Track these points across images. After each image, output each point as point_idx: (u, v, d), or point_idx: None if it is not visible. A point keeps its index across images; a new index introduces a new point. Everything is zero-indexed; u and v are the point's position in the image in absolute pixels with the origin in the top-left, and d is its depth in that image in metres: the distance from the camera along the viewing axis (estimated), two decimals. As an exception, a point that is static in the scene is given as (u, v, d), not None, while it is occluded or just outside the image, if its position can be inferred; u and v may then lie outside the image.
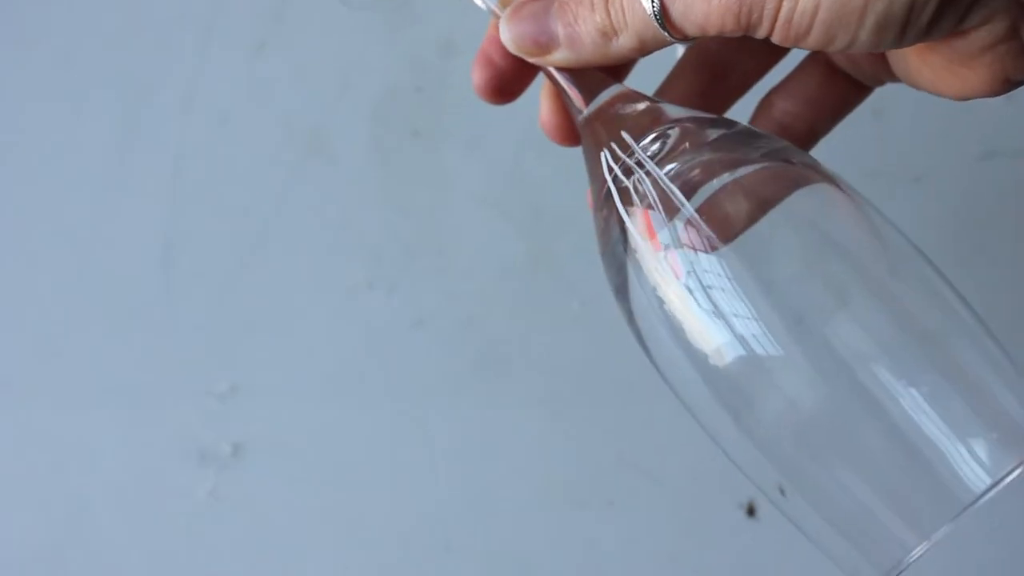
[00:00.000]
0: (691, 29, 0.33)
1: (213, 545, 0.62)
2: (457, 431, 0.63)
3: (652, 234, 0.33)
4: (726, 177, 0.33)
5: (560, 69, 0.37)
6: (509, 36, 0.36)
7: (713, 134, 0.34)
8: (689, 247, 0.32)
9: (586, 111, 0.36)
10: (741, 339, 0.31)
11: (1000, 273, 0.63)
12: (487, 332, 0.64)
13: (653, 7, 0.33)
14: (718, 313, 0.32)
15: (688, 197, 0.33)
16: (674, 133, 0.34)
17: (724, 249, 0.32)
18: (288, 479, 0.63)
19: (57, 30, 0.69)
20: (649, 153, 0.34)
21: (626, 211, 0.34)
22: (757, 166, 0.33)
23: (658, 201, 0.33)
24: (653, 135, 0.34)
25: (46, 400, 0.64)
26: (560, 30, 0.35)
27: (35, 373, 0.64)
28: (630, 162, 0.34)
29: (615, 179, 0.35)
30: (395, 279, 0.65)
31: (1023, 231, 0.63)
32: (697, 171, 0.33)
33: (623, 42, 0.34)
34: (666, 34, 0.33)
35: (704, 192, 0.33)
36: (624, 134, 0.35)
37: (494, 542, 0.62)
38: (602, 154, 0.35)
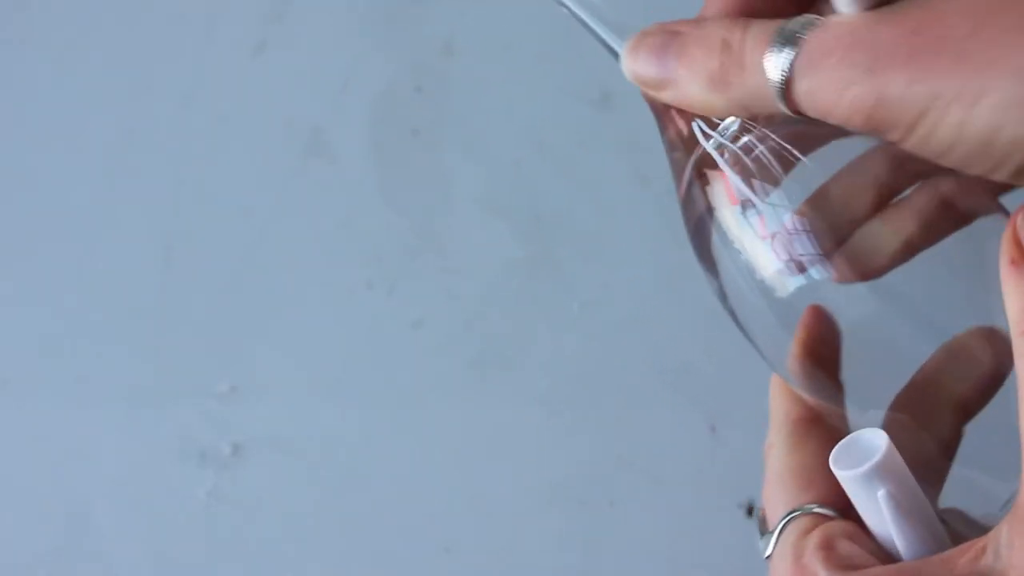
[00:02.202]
0: (810, 111, 0.30)
1: (213, 545, 0.62)
2: (457, 431, 0.63)
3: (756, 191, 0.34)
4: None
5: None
6: (629, 66, 0.34)
7: None
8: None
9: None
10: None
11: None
12: (486, 332, 0.64)
13: (781, 74, 0.30)
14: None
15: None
16: None
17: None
18: (288, 479, 0.63)
19: (57, 30, 0.69)
20: (741, 123, 0.35)
21: (733, 171, 0.34)
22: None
23: (770, 159, 0.34)
24: None
25: (46, 400, 0.64)
26: (673, 70, 0.33)
27: (35, 373, 0.64)
28: (732, 127, 0.35)
29: (718, 145, 0.35)
30: (395, 279, 0.65)
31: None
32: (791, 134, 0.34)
33: (731, 97, 0.32)
34: (782, 104, 0.31)
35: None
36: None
37: (494, 542, 0.62)
38: (693, 124, 0.35)
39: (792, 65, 0.30)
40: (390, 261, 0.65)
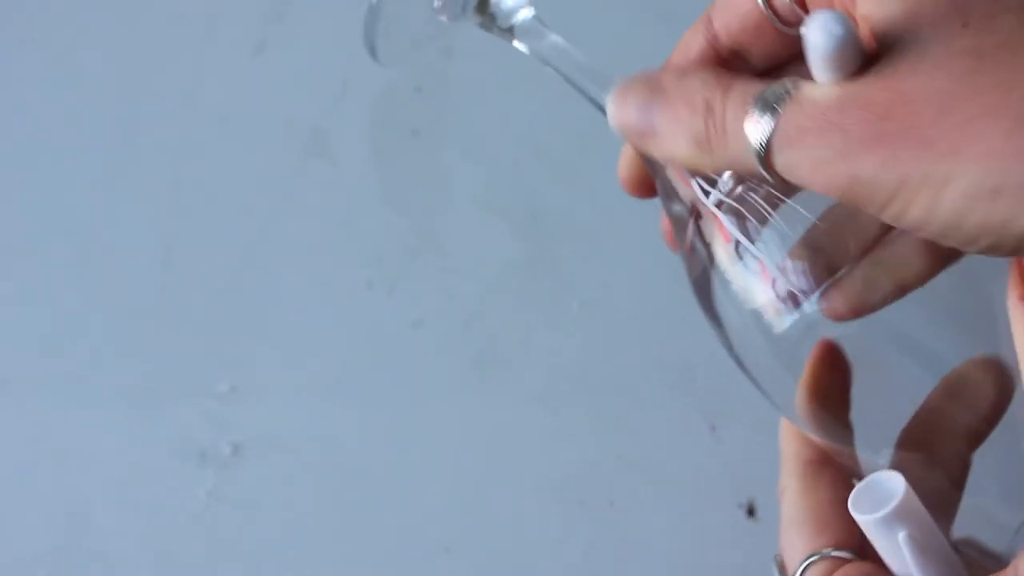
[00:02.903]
0: (789, 179, 0.31)
1: (213, 545, 0.62)
2: (457, 431, 0.63)
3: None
4: None
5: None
6: (613, 116, 0.35)
7: None
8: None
9: None
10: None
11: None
12: (486, 332, 0.64)
13: (760, 142, 0.31)
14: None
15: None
16: None
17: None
18: (288, 479, 0.63)
19: (57, 30, 0.69)
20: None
21: (730, 220, 0.35)
22: None
23: (765, 205, 0.35)
24: None
25: (46, 400, 0.64)
26: (658, 125, 0.33)
27: (35, 373, 0.64)
28: (729, 185, 0.36)
29: (719, 203, 0.36)
30: (395, 279, 0.65)
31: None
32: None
33: (715, 160, 0.32)
34: (763, 170, 0.31)
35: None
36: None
37: (494, 543, 0.62)
38: (692, 181, 0.36)
39: (770, 140, 0.30)
40: (390, 261, 0.65)
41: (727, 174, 0.35)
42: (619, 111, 0.35)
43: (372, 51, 0.36)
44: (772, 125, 0.30)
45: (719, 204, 0.35)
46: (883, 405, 0.34)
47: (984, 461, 0.34)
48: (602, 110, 0.37)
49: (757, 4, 0.35)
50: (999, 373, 0.33)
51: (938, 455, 0.34)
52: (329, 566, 0.62)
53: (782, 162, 0.31)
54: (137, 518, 0.63)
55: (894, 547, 0.32)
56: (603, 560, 0.62)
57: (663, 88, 0.33)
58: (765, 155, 0.31)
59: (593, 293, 0.65)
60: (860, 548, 0.34)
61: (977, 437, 0.34)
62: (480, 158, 0.67)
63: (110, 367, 0.64)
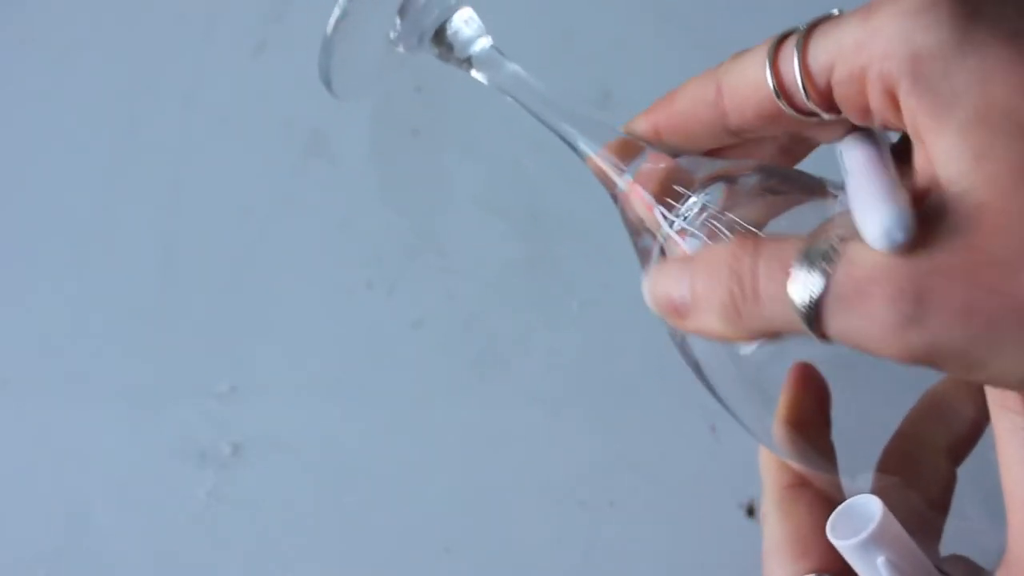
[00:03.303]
0: (845, 344, 0.28)
1: (213, 545, 0.62)
2: (457, 431, 0.63)
3: None
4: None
5: None
6: (648, 293, 0.33)
7: (753, 180, 0.34)
8: None
9: (625, 175, 0.36)
10: None
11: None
12: (486, 332, 0.64)
13: (807, 303, 0.28)
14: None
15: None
16: (720, 184, 0.35)
17: None
18: (288, 479, 0.63)
19: (57, 30, 0.69)
20: (702, 204, 0.34)
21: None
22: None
23: (730, 235, 0.34)
24: (704, 187, 0.34)
25: (46, 400, 0.64)
26: (688, 300, 0.31)
27: (35, 373, 0.64)
28: (689, 211, 0.34)
29: (677, 228, 0.34)
30: (395, 279, 0.65)
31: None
32: (757, 213, 0.34)
33: (745, 327, 0.30)
34: (810, 332, 0.28)
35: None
36: (677, 187, 0.34)
37: (494, 543, 0.62)
38: (655, 209, 0.35)
39: (821, 300, 0.28)
40: (390, 261, 0.65)
41: (692, 198, 0.34)
42: (652, 289, 0.33)
43: (328, 85, 0.35)
44: (822, 284, 0.28)
45: (681, 232, 0.34)
46: (860, 428, 0.34)
47: (969, 477, 0.33)
48: (564, 140, 0.36)
49: (772, 98, 0.33)
50: (976, 391, 0.32)
51: (921, 474, 0.33)
52: (329, 566, 0.62)
53: (838, 326, 0.28)
54: (137, 518, 0.63)
55: (874, 571, 0.32)
56: (603, 560, 0.62)
57: (693, 261, 0.31)
58: (814, 315, 0.28)
59: (593, 293, 0.65)
60: (843, 572, 0.33)
61: (960, 452, 0.33)
62: (480, 158, 0.67)
63: (110, 367, 0.64)
